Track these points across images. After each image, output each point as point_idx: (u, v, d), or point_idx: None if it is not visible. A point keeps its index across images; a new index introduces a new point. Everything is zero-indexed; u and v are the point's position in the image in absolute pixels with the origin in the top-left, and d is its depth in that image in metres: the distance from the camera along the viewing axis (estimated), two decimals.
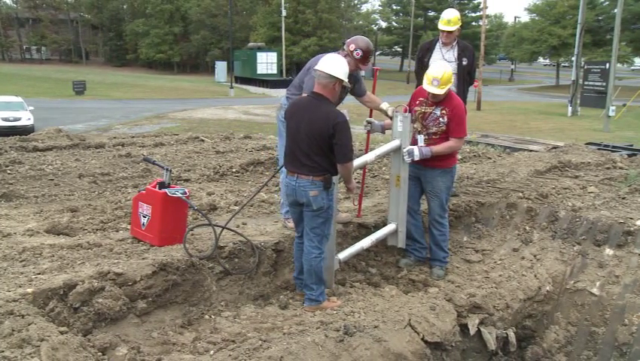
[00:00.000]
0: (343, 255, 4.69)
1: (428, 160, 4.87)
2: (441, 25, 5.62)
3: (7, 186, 6.80)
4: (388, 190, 6.51)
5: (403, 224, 4.99)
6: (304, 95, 4.45)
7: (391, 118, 4.88)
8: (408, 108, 4.90)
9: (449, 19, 5.58)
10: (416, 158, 4.72)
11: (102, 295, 3.57)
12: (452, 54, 5.67)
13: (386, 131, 5.05)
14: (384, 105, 5.02)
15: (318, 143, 3.96)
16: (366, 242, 4.87)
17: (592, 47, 47.10)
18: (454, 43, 5.70)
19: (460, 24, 5.64)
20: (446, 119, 4.77)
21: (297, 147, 4.03)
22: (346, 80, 4.08)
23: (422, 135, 4.89)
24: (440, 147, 4.78)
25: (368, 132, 5.08)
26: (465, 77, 5.70)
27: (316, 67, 4.05)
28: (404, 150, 4.75)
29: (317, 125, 3.94)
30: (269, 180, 5.10)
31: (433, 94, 4.70)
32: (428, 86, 4.69)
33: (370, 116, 5.04)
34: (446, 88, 4.64)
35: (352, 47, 4.56)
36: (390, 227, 5.02)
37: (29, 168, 7.65)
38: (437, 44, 5.78)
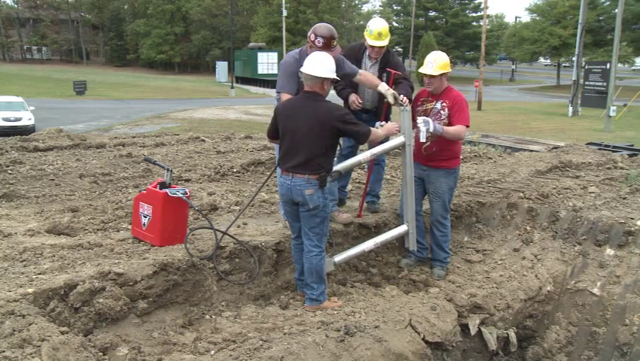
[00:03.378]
0: (339, 257, 4.63)
1: (432, 160, 4.87)
2: (372, 41, 4.86)
3: (7, 186, 6.80)
4: (389, 191, 6.53)
5: (414, 225, 4.89)
6: (284, 95, 4.45)
7: (390, 103, 4.65)
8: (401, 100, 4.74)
9: (380, 31, 4.83)
10: (431, 129, 4.55)
11: (103, 295, 3.57)
12: (375, 69, 5.03)
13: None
14: (382, 87, 4.65)
15: (320, 139, 3.98)
16: (369, 245, 4.77)
17: (592, 47, 47.12)
18: (379, 58, 5.03)
19: (390, 35, 4.96)
20: (447, 112, 4.77)
21: (294, 146, 4.02)
22: (334, 75, 4.08)
23: (426, 132, 4.87)
24: (451, 129, 4.69)
25: None
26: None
27: (301, 69, 4.07)
28: (420, 119, 4.56)
29: (319, 122, 3.96)
30: (268, 179, 5.10)
31: (428, 77, 4.73)
32: (422, 68, 4.76)
33: (383, 120, 4.98)
34: (439, 71, 4.68)
35: (312, 36, 4.43)
36: (401, 228, 4.91)
37: (30, 168, 7.65)
38: (365, 56, 5.08)
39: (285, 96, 4.43)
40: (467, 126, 4.80)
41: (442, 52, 4.89)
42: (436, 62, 4.69)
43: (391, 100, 4.61)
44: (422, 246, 5.24)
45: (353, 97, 4.94)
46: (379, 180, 5.60)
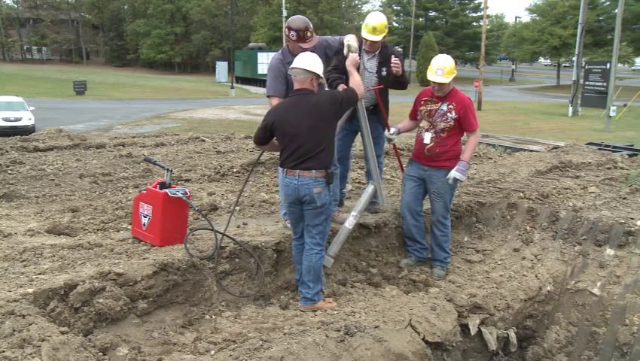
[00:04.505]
0: (332, 249, 4.63)
1: (434, 160, 4.87)
2: (365, 34, 4.84)
3: (7, 186, 6.80)
4: (389, 191, 6.52)
5: (379, 181, 4.91)
6: (273, 99, 4.46)
7: (347, 51, 4.61)
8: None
9: (375, 26, 4.79)
10: (464, 179, 4.82)
11: (103, 296, 3.57)
12: (373, 63, 5.01)
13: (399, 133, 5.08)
14: (347, 37, 4.67)
15: (322, 132, 4.02)
16: (350, 221, 4.73)
17: (592, 47, 47.12)
18: (376, 52, 5.01)
19: (387, 32, 4.91)
20: (454, 114, 4.76)
21: (298, 145, 4.01)
22: (321, 73, 4.12)
23: (430, 133, 4.88)
24: (468, 152, 4.84)
25: (394, 146, 5.04)
26: (391, 86, 5.09)
27: (292, 65, 4.10)
28: (450, 181, 4.76)
29: (320, 115, 4.01)
30: (250, 176, 5.14)
31: (439, 84, 4.70)
32: (432, 76, 4.69)
33: (387, 125, 5.00)
34: (450, 77, 4.66)
35: (287, 31, 4.44)
36: (369, 189, 4.93)
37: (30, 168, 7.65)
38: (363, 50, 5.01)
39: (274, 100, 4.44)
40: (477, 128, 4.88)
41: (446, 55, 4.85)
42: (445, 69, 4.63)
43: (345, 50, 4.65)
44: (422, 246, 5.24)
45: (341, 87, 4.89)
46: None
